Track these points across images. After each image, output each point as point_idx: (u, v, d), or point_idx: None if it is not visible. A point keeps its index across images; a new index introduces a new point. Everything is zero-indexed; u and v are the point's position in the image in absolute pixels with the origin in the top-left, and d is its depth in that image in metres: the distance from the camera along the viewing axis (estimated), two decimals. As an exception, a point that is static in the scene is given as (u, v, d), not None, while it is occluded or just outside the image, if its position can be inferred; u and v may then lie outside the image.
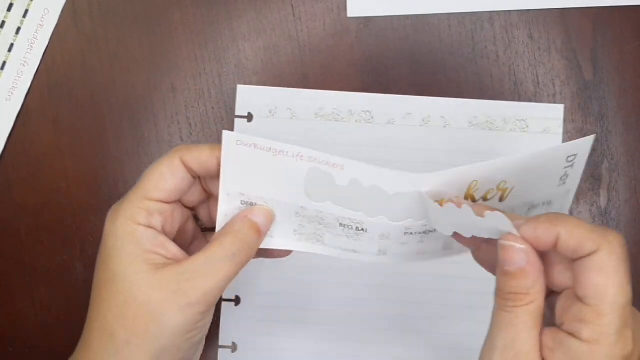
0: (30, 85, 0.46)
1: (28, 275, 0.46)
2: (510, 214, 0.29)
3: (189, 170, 0.34)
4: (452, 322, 0.45)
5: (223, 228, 0.34)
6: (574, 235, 0.28)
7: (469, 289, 0.45)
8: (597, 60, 0.46)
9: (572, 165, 0.33)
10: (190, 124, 0.46)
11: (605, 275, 0.27)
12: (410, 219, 0.33)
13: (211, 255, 0.33)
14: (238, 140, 0.32)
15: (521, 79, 0.46)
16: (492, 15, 0.46)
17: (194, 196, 0.36)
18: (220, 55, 0.46)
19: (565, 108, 0.45)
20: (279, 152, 0.32)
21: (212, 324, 0.45)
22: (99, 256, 0.34)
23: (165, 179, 0.33)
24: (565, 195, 0.36)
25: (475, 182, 0.31)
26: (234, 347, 0.45)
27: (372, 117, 0.45)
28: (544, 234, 0.28)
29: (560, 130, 0.45)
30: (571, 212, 0.45)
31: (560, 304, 0.29)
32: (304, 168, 0.32)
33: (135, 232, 0.33)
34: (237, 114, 0.45)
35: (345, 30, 0.46)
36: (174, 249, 0.34)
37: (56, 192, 0.46)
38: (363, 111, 0.45)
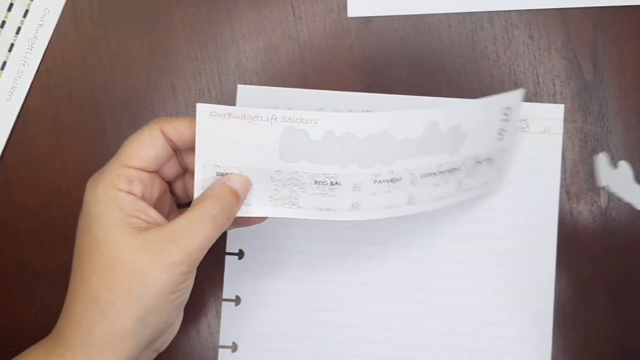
0: (30, 85, 0.46)
1: (28, 275, 0.46)
2: None
3: (168, 141, 0.35)
4: (450, 323, 0.45)
5: (202, 193, 0.35)
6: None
7: (467, 289, 0.45)
8: (597, 60, 0.46)
9: (508, 120, 0.39)
10: (190, 124, 0.46)
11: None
12: (379, 163, 0.36)
13: (193, 217, 0.34)
14: (212, 112, 0.33)
15: (521, 79, 0.46)
16: (492, 15, 0.46)
17: (171, 169, 0.37)
18: (220, 55, 0.46)
19: (565, 108, 0.45)
20: (254, 117, 0.34)
21: (213, 323, 0.45)
22: (80, 223, 0.35)
23: (145, 147, 0.35)
24: (502, 152, 0.41)
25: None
26: (234, 347, 0.45)
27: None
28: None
29: (561, 130, 0.45)
30: (571, 212, 0.45)
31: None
32: (279, 129, 0.34)
33: (116, 197, 0.34)
34: (237, 114, 0.45)
35: (346, 30, 0.46)
36: (154, 215, 0.35)
37: (56, 192, 0.46)
38: (363, 111, 0.45)
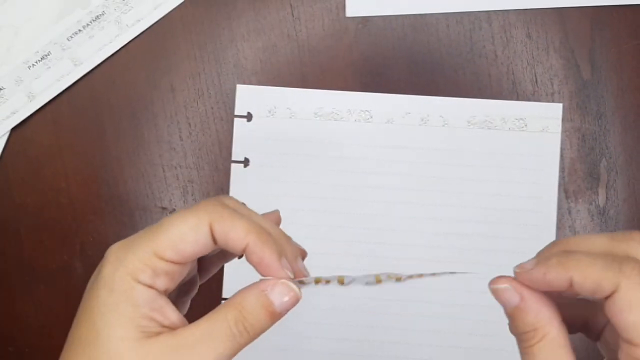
0: (30, 86, 0.46)
1: (28, 275, 0.46)
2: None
3: (214, 239, 0.29)
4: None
5: (232, 297, 0.29)
6: (589, 278, 0.26)
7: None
8: (595, 60, 0.46)
9: None
10: (189, 124, 0.46)
11: (638, 311, 0.25)
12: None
13: (209, 330, 0.28)
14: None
15: (519, 78, 0.46)
16: (490, 14, 0.46)
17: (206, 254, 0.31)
18: (219, 55, 0.46)
19: (563, 107, 0.46)
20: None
21: (212, 323, 0.45)
22: (83, 306, 0.29)
23: (185, 242, 0.28)
24: None
25: None
26: (233, 346, 0.45)
27: (371, 117, 0.45)
28: (555, 279, 0.26)
29: (559, 129, 0.45)
30: (569, 211, 0.45)
31: (609, 340, 0.28)
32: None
33: (133, 291, 0.28)
34: (236, 113, 0.46)
35: (344, 30, 0.46)
36: (171, 315, 0.29)
37: (56, 192, 0.46)
38: (362, 110, 0.45)
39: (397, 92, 0.45)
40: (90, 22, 0.46)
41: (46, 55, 0.46)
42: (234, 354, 0.28)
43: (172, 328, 0.28)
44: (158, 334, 0.28)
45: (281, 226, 0.48)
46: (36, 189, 0.46)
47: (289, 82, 0.46)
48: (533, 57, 0.46)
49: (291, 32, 0.46)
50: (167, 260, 0.28)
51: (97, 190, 0.46)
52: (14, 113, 0.46)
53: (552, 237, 0.45)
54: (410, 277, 0.30)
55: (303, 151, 0.45)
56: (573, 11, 0.46)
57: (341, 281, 0.29)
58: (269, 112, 0.45)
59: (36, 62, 0.46)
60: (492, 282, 0.28)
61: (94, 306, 0.28)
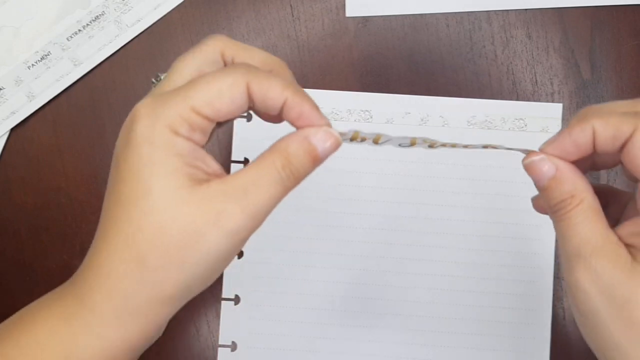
0: (30, 86, 0.46)
1: (28, 275, 0.46)
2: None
3: (250, 99, 0.28)
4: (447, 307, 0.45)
5: (275, 145, 0.29)
6: (609, 123, 0.28)
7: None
8: (594, 59, 0.46)
9: None
10: (189, 124, 0.46)
11: None
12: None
13: (260, 173, 0.28)
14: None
15: (519, 78, 0.46)
16: (490, 14, 0.46)
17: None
18: (219, 55, 0.46)
19: (563, 107, 0.46)
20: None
21: (212, 322, 0.46)
22: (123, 165, 0.28)
23: (222, 100, 0.28)
24: None
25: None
26: (233, 346, 0.45)
27: (371, 117, 0.45)
28: (580, 133, 0.28)
29: (559, 129, 0.45)
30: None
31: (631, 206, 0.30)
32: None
33: (175, 143, 0.28)
34: (236, 113, 0.46)
35: (344, 30, 0.46)
36: (213, 165, 0.29)
37: (56, 192, 0.46)
38: (362, 110, 0.45)
39: (397, 92, 0.45)
40: (90, 22, 0.46)
41: (46, 55, 0.46)
42: (282, 196, 0.29)
43: (216, 176, 0.28)
44: (207, 181, 0.28)
45: (281, 225, 0.48)
46: (36, 189, 0.46)
47: (288, 82, 0.46)
48: (533, 57, 0.46)
49: (291, 32, 0.46)
50: (203, 117, 0.28)
51: (97, 190, 0.46)
52: (14, 113, 0.46)
53: (552, 235, 0.45)
54: (444, 145, 0.31)
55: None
56: (573, 11, 0.46)
57: (376, 140, 0.30)
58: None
59: (36, 62, 0.46)
60: (526, 157, 0.30)
61: (136, 162, 0.28)
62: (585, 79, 0.46)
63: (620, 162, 0.30)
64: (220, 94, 0.28)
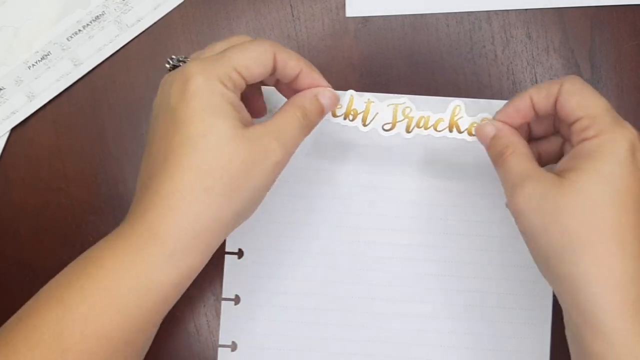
0: (30, 86, 0.46)
1: (28, 275, 0.46)
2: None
3: (274, 66, 0.36)
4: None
5: (295, 99, 0.37)
6: (541, 87, 0.36)
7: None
8: (594, 60, 0.46)
9: None
10: (189, 124, 0.46)
11: (578, 94, 0.35)
12: None
13: (287, 122, 0.36)
14: None
15: (519, 78, 0.46)
16: (490, 14, 0.46)
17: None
18: (219, 55, 0.46)
19: (563, 107, 0.46)
20: None
21: (213, 322, 0.46)
22: (183, 111, 0.33)
23: (256, 64, 0.35)
24: None
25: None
26: (233, 346, 0.45)
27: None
28: (520, 101, 0.37)
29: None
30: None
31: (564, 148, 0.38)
32: None
33: (227, 93, 0.34)
34: (236, 113, 0.46)
35: (344, 30, 0.46)
36: (248, 115, 0.36)
37: (56, 192, 0.46)
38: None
39: (396, 92, 0.45)
40: (90, 22, 0.46)
41: (46, 55, 0.46)
42: (303, 138, 0.37)
43: (250, 122, 0.35)
44: (250, 124, 0.35)
45: (281, 225, 0.48)
46: (36, 189, 0.46)
47: (289, 82, 0.46)
48: (533, 57, 0.46)
49: (291, 32, 0.46)
50: (242, 77, 0.35)
51: (97, 190, 0.46)
52: (14, 113, 0.46)
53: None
54: (418, 126, 0.41)
55: (303, 150, 0.45)
56: (573, 11, 0.46)
57: (365, 119, 0.40)
58: (269, 111, 0.45)
59: (36, 62, 0.46)
60: (477, 127, 0.39)
61: (197, 107, 0.33)
62: (585, 79, 0.45)
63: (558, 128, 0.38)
64: (254, 60, 0.35)
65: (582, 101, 0.35)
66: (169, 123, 0.34)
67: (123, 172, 0.46)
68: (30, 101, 0.46)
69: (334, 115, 0.40)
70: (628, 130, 0.34)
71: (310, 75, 0.38)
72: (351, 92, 0.40)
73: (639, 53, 0.46)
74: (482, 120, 0.39)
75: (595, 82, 0.46)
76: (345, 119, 0.40)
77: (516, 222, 0.36)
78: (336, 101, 0.39)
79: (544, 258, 0.35)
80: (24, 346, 0.32)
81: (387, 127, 0.40)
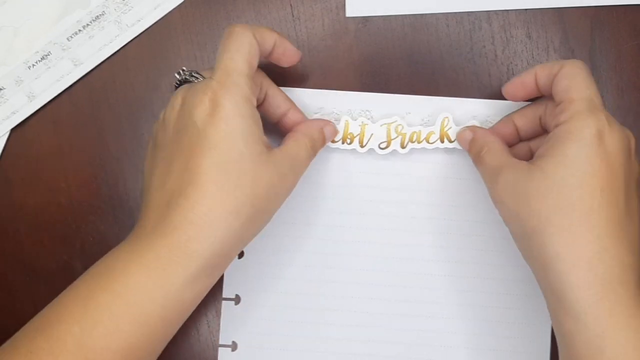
0: (30, 86, 0.46)
1: (28, 275, 0.46)
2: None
3: (260, 44, 0.38)
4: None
5: (303, 129, 0.41)
6: (545, 66, 0.39)
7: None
8: (594, 60, 0.46)
9: None
10: (189, 124, 0.46)
11: (569, 78, 0.37)
12: None
13: (298, 149, 0.39)
14: None
15: (519, 78, 0.46)
16: (490, 14, 0.46)
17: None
18: (219, 55, 0.46)
19: (563, 107, 0.46)
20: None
21: (213, 322, 0.46)
22: (214, 134, 0.34)
23: (253, 55, 0.37)
24: None
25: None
26: (234, 346, 0.45)
27: (372, 117, 0.45)
28: (526, 76, 0.40)
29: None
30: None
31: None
32: None
33: (255, 114, 0.36)
34: (236, 113, 0.45)
35: (344, 30, 0.46)
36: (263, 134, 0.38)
37: (56, 192, 0.46)
38: (362, 110, 0.45)
39: (397, 92, 0.46)
40: (90, 22, 0.46)
41: (46, 55, 0.46)
42: (309, 164, 0.41)
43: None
44: (270, 148, 0.37)
45: (281, 225, 0.48)
46: (36, 189, 0.46)
47: (288, 82, 0.46)
48: (533, 57, 0.46)
49: (291, 32, 0.46)
50: (250, 76, 0.36)
51: (97, 190, 0.46)
52: (14, 113, 0.46)
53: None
54: (411, 141, 0.45)
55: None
56: (573, 11, 0.46)
57: (362, 140, 0.44)
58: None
59: (36, 62, 0.46)
60: (457, 134, 0.43)
61: (228, 131, 0.35)
62: (585, 79, 0.46)
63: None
64: (251, 52, 0.37)
65: (570, 85, 0.36)
66: (194, 143, 0.35)
67: (123, 172, 0.46)
68: (30, 101, 0.46)
69: (333, 142, 0.43)
70: (597, 116, 0.35)
71: (281, 46, 0.40)
72: (346, 117, 0.44)
73: (639, 53, 0.46)
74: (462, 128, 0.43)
75: (595, 83, 0.46)
76: (343, 143, 0.44)
77: (499, 213, 0.38)
78: (336, 133, 0.43)
79: (520, 242, 0.37)
80: (48, 355, 0.32)
81: (382, 145, 0.44)
